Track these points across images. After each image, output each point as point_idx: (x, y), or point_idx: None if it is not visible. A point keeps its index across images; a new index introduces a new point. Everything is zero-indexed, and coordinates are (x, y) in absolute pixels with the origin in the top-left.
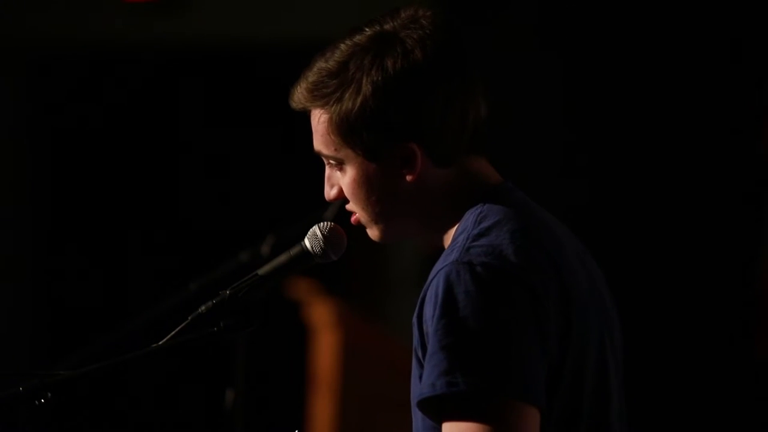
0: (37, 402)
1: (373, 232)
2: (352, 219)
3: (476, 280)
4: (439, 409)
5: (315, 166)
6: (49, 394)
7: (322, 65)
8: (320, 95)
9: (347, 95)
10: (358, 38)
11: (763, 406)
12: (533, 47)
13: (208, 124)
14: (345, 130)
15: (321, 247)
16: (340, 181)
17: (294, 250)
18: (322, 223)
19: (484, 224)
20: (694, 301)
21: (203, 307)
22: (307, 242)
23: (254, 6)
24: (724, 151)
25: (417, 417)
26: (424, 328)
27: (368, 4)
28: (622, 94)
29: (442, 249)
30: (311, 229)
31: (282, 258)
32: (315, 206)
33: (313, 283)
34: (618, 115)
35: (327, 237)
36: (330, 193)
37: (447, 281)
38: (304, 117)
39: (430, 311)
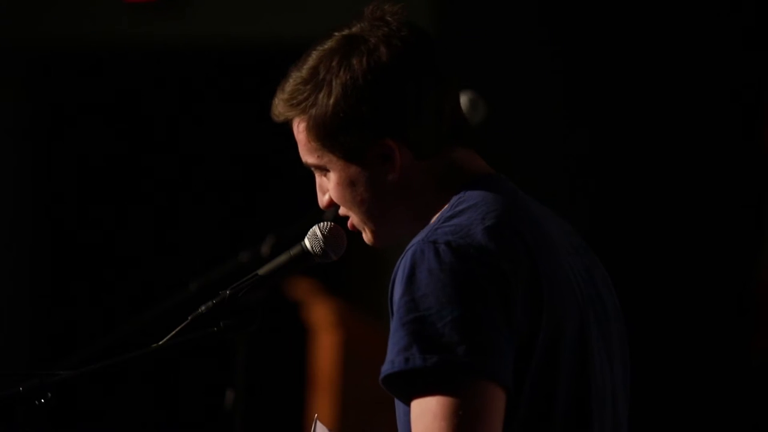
0: (37, 402)
1: (367, 236)
2: (348, 224)
3: (438, 258)
4: (408, 389)
5: None
6: (49, 394)
7: (295, 74)
8: (296, 103)
9: (320, 99)
10: (327, 43)
11: (760, 406)
12: (534, 43)
13: (208, 123)
14: (322, 134)
15: (321, 247)
16: (329, 187)
17: (294, 250)
18: (322, 223)
19: (459, 207)
20: (692, 301)
21: (203, 307)
22: (307, 242)
23: (254, 6)
24: (724, 150)
25: (398, 405)
26: (394, 309)
27: (366, 3)
28: (622, 94)
29: None
30: (311, 229)
31: (282, 258)
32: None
33: (313, 283)
34: (618, 116)
35: (327, 237)
36: (323, 200)
37: (411, 260)
38: None
39: (396, 291)
